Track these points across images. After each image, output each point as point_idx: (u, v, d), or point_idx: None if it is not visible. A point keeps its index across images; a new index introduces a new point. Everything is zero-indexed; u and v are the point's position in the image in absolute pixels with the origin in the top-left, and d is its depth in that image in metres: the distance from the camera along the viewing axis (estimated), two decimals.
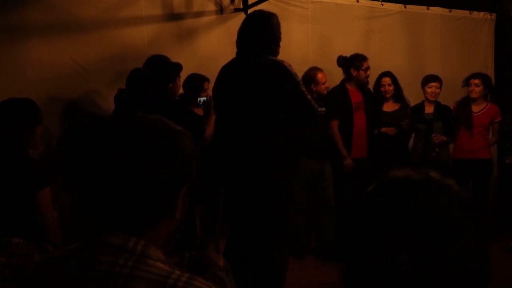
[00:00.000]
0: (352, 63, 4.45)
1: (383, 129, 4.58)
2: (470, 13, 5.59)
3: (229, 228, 3.04)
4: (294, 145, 2.97)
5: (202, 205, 3.97)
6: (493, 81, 5.05)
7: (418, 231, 0.66)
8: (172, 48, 4.14)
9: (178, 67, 3.62)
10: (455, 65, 5.38)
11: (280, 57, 2.93)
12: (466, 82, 4.68)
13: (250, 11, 4.14)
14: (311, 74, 4.36)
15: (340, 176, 4.43)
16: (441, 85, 4.64)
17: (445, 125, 4.60)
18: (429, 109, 4.66)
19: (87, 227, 0.96)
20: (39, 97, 3.58)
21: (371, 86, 4.71)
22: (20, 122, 2.41)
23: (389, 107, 4.67)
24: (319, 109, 3.48)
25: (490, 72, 5.42)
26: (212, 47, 4.36)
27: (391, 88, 4.64)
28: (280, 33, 2.92)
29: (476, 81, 4.63)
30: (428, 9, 5.41)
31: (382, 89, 4.65)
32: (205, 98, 3.75)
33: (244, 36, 2.90)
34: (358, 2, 5.07)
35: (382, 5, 5.18)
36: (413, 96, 4.81)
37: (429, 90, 4.62)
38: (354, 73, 4.46)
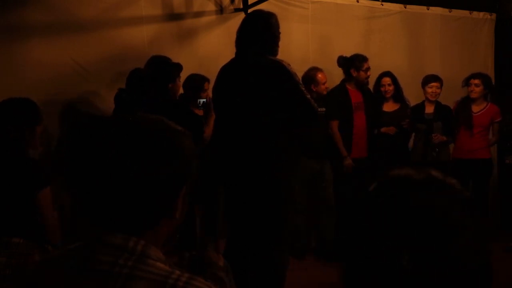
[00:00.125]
0: (352, 64, 4.45)
1: (383, 129, 4.58)
2: (470, 13, 5.59)
3: (229, 228, 3.04)
4: (294, 145, 2.97)
5: (202, 205, 3.97)
6: (493, 81, 5.05)
7: (419, 231, 0.66)
8: (172, 48, 4.14)
9: (178, 67, 3.62)
10: (455, 65, 5.38)
11: (280, 57, 2.93)
12: (466, 82, 4.68)
13: (250, 11, 4.14)
14: (311, 74, 4.36)
15: (340, 176, 4.43)
16: (441, 85, 4.64)
17: (445, 125, 4.60)
18: (429, 109, 4.66)
19: (87, 227, 0.96)
20: (39, 97, 3.58)
21: (371, 86, 4.71)
22: (20, 122, 2.41)
23: (389, 107, 4.67)
24: (319, 109, 3.48)
25: (490, 72, 5.42)
26: (212, 47, 4.36)
27: (391, 88, 4.64)
28: (279, 32, 2.92)
29: (476, 81, 4.63)
30: (428, 9, 5.41)
31: (382, 89, 4.65)
32: (204, 100, 3.76)
33: (243, 36, 2.90)
34: (358, 2, 5.07)
35: (382, 5, 5.18)
36: (413, 96, 4.81)
37: (429, 90, 4.62)
38: (354, 73, 4.46)
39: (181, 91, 3.91)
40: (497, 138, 4.77)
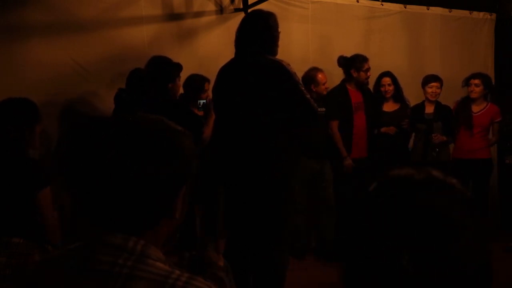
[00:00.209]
0: (353, 64, 4.44)
1: (383, 129, 4.58)
2: (470, 13, 5.59)
3: (229, 228, 3.04)
4: (294, 145, 2.97)
5: (202, 205, 3.97)
6: (493, 81, 5.05)
7: (419, 231, 0.66)
8: (172, 48, 4.14)
9: (178, 67, 3.62)
10: (455, 65, 5.38)
11: (280, 57, 2.92)
12: (466, 82, 4.68)
13: (250, 11, 4.14)
14: (311, 75, 4.36)
15: (340, 176, 4.43)
16: (441, 85, 4.64)
17: (445, 125, 4.60)
18: (429, 109, 4.66)
19: (87, 227, 0.96)
20: (39, 97, 3.58)
21: (371, 86, 4.71)
22: (20, 122, 2.41)
23: (389, 107, 4.67)
24: (319, 109, 3.48)
25: (490, 72, 5.42)
26: (212, 47, 4.36)
27: (391, 88, 4.64)
28: (278, 32, 2.92)
29: (476, 81, 4.63)
30: (428, 9, 5.41)
31: (382, 89, 4.65)
32: (204, 101, 3.76)
33: (243, 36, 2.90)
34: (358, 2, 5.07)
35: (382, 5, 5.18)
36: (413, 96, 4.81)
37: (429, 90, 4.62)
38: (355, 74, 4.45)
39: (181, 91, 3.91)
40: (497, 138, 4.77)
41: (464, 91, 4.73)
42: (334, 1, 4.96)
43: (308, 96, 2.84)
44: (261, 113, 2.77)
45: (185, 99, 3.90)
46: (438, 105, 4.66)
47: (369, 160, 4.50)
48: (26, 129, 2.42)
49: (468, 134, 4.63)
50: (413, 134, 4.74)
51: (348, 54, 4.50)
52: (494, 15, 5.69)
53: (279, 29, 2.95)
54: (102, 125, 0.98)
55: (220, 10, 4.48)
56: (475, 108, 4.65)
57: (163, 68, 3.53)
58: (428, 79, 4.64)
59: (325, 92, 4.44)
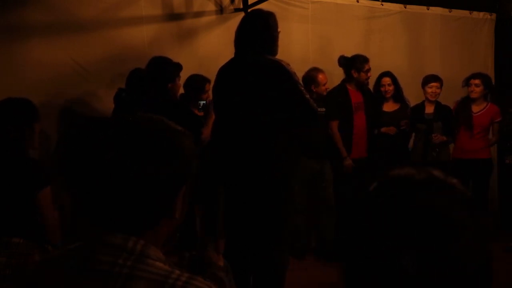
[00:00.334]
0: (353, 64, 4.44)
1: (383, 129, 4.58)
2: (470, 13, 5.59)
3: (229, 228, 3.04)
4: (294, 145, 2.96)
5: (202, 205, 3.97)
6: (493, 81, 5.05)
7: (419, 231, 0.66)
8: (172, 48, 4.14)
9: (177, 67, 3.62)
10: (455, 65, 5.38)
11: (280, 57, 2.92)
12: (466, 82, 4.68)
13: (250, 11, 4.14)
14: (312, 75, 4.36)
15: (340, 176, 4.43)
16: (441, 85, 4.64)
17: (445, 125, 4.60)
18: (429, 109, 4.66)
19: (87, 227, 0.96)
20: (39, 97, 3.59)
21: (371, 86, 4.71)
22: (20, 122, 2.41)
23: (389, 107, 4.67)
24: (319, 109, 3.48)
25: (490, 72, 5.41)
26: (212, 47, 4.36)
27: (391, 88, 4.64)
28: (278, 32, 2.92)
29: (476, 81, 4.63)
30: (428, 9, 5.41)
31: (382, 89, 4.65)
32: (204, 101, 3.75)
33: (242, 36, 2.90)
34: (358, 2, 5.07)
35: (382, 5, 5.18)
36: (413, 96, 4.81)
37: (429, 90, 4.62)
38: (355, 74, 4.45)
39: (181, 91, 3.91)
40: (497, 138, 4.77)
41: (464, 91, 4.73)
42: (334, 1, 4.96)
43: (308, 96, 2.84)
44: (261, 113, 2.77)
45: (185, 99, 3.90)
46: (438, 105, 4.66)
47: (369, 160, 4.50)
48: (26, 129, 2.43)
49: (468, 134, 4.63)
50: (413, 134, 4.74)
51: (348, 54, 4.50)
52: (494, 15, 5.69)
53: (279, 29, 2.94)
54: (102, 125, 0.98)
55: (220, 10, 4.48)
56: (475, 108, 4.65)
57: (163, 68, 3.53)
58: (428, 79, 4.64)
59: (325, 93, 4.44)
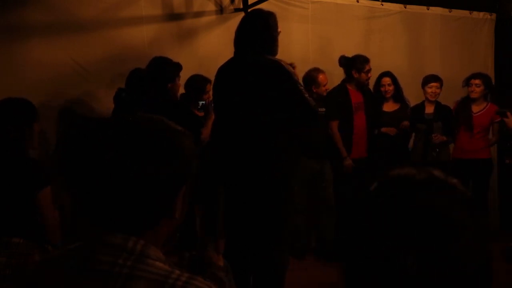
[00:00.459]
0: (354, 65, 4.44)
1: (383, 129, 4.58)
2: (470, 13, 5.59)
3: (229, 228, 3.04)
4: (294, 145, 2.96)
5: (202, 205, 3.97)
6: (493, 81, 5.05)
7: (419, 231, 0.66)
8: (172, 48, 4.14)
9: (177, 67, 3.62)
10: (455, 65, 5.38)
11: (280, 57, 2.92)
12: (467, 82, 4.68)
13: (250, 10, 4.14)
14: (312, 75, 4.36)
15: (340, 176, 4.43)
16: (441, 85, 4.64)
17: (445, 125, 4.60)
18: (429, 109, 4.66)
19: (87, 227, 0.96)
20: (39, 97, 3.59)
21: (371, 86, 4.71)
22: (20, 122, 2.42)
23: (389, 107, 4.67)
24: (319, 109, 3.48)
25: (490, 72, 5.41)
26: (212, 47, 4.36)
27: (391, 88, 4.64)
28: (278, 32, 2.91)
29: (477, 81, 4.63)
30: (428, 9, 5.40)
31: (382, 89, 4.65)
32: (204, 102, 3.75)
33: (242, 35, 2.90)
34: (358, 2, 5.07)
35: (382, 5, 5.18)
36: (413, 96, 4.81)
37: (429, 90, 4.62)
38: (356, 75, 4.45)
39: (182, 90, 3.91)
40: (497, 138, 4.77)
41: (464, 91, 4.73)
42: (334, 1, 4.96)
43: (307, 95, 2.83)
44: (260, 113, 2.77)
45: (185, 100, 3.90)
46: (438, 105, 4.66)
47: (369, 160, 4.50)
48: (26, 129, 2.43)
49: (468, 134, 4.63)
50: (413, 134, 4.74)
51: (348, 54, 4.50)
52: (494, 15, 5.69)
53: (279, 29, 2.94)
54: (101, 125, 0.98)
55: (220, 10, 4.48)
56: (475, 108, 4.65)
57: (162, 68, 3.53)
58: (428, 79, 4.64)
59: (325, 93, 4.45)
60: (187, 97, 3.92)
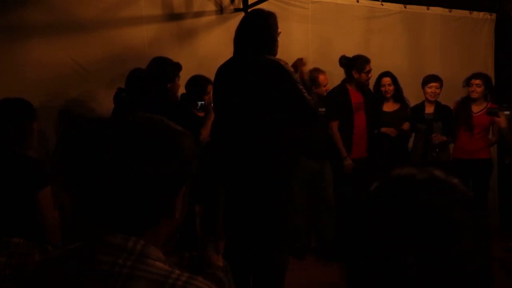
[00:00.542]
0: (354, 65, 4.43)
1: (383, 129, 4.58)
2: (470, 13, 5.59)
3: (229, 228, 3.04)
4: (294, 145, 2.96)
5: (202, 205, 3.97)
6: (493, 81, 5.05)
7: (419, 231, 0.66)
8: (172, 48, 4.14)
9: (177, 67, 3.62)
10: (455, 65, 5.38)
11: (280, 57, 2.92)
12: (467, 82, 4.67)
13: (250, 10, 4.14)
14: (313, 76, 4.36)
15: (340, 176, 4.43)
16: (441, 85, 4.64)
17: (445, 125, 4.60)
18: (429, 109, 4.66)
19: (87, 227, 0.97)
20: (39, 97, 3.59)
21: (371, 86, 4.71)
22: (20, 121, 2.42)
23: (389, 107, 4.67)
24: (319, 109, 3.47)
25: (490, 72, 5.41)
26: (212, 47, 4.35)
27: (392, 88, 4.64)
28: (278, 32, 2.91)
29: (478, 81, 4.62)
30: (428, 9, 5.40)
31: (383, 89, 4.65)
32: (203, 102, 3.75)
33: (242, 35, 2.90)
34: (358, 2, 5.07)
35: (382, 5, 5.18)
36: (413, 96, 4.81)
37: (429, 90, 4.62)
38: (356, 75, 4.45)
39: (182, 90, 3.90)
40: (497, 138, 4.77)
41: (464, 91, 4.73)
42: (334, 1, 4.96)
43: (307, 95, 2.83)
44: (260, 113, 2.77)
45: (186, 100, 3.90)
46: (438, 105, 4.66)
47: (369, 160, 4.50)
48: (25, 128, 2.43)
49: (468, 134, 4.62)
50: (413, 134, 4.74)
51: (348, 54, 4.50)
52: (494, 15, 5.69)
53: (280, 30, 2.94)
54: (102, 125, 0.99)
55: (220, 10, 4.47)
56: (475, 108, 4.65)
57: (162, 68, 3.53)
58: (428, 79, 4.64)
59: (325, 94, 4.45)
60: (187, 97, 3.92)
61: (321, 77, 4.38)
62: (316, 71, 4.39)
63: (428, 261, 0.65)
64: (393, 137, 4.58)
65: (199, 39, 4.38)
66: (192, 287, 0.92)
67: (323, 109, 4.32)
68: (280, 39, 2.95)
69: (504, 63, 5.60)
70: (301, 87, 2.81)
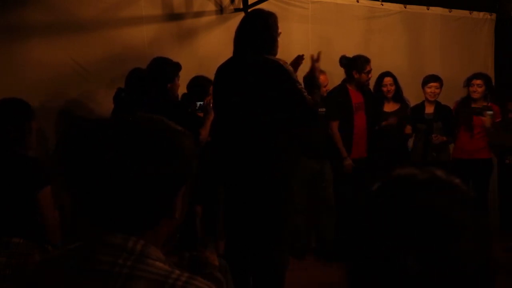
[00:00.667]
0: (354, 65, 4.43)
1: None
2: (470, 13, 5.59)
3: (229, 228, 3.04)
4: (294, 145, 2.96)
5: (202, 205, 3.97)
6: (493, 81, 5.05)
7: (420, 231, 0.66)
8: (172, 48, 4.14)
9: (176, 66, 3.62)
10: (455, 65, 5.38)
11: (280, 57, 2.92)
12: (468, 82, 4.67)
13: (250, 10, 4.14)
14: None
15: (340, 176, 4.42)
16: (441, 85, 4.64)
17: (445, 125, 4.60)
18: (429, 109, 4.66)
19: (87, 227, 0.97)
20: (39, 97, 3.60)
21: (371, 86, 4.71)
22: (19, 121, 2.42)
23: (390, 107, 4.67)
24: (319, 109, 3.47)
25: (490, 72, 5.41)
26: (212, 47, 4.35)
27: (393, 88, 4.64)
28: (278, 32, 2.91)
29: (479, 81, 4.61)
30: (428, 9, 5.40)
31: (384, 89, 4.64)
32: (202, 103, 3.75)
33: (242, 35, 2.90)
34: (358, 2, 5.07)
35: (382, 5, 5.18)
36: (413, 96, 4.81)
37: (428, 90, 4.62)
38: (356, 75, 4.44)
39: (184, 90, 3.90)
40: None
41: (464, 91, 4.73)
42: (334, 1, 4.96)
43: (307, 95, 2.83)
44: (260, 113, 2.77)
45: (187, 100, 3.90)
46: (438, 105, 4.66)
47: (369, 160, 4.50)
48: (25, 128, 2.43)
49: (468, 134, 4.62)
50: (413, 134, 4.74)
51: (348, 54, 4.49)
52: (494, 15, 5.69)
53: (280, 30, 2.94)
54: (101, 125, 0.99)
55: (220, 10, 4.47)
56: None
57: (162, 68, 3.53)
58: (428, 79, 4.64)
59: (325, 94, 4.45)
60: (188, 98, 3.92)
61: (322, 78, 4.37)
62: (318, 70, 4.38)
63: (429, 261, 0.65)
64: (393, 138, 4.58)
65: (199, 39, 4.38)
66: (192, 287, 0.92)
67: (323, 109, 4.32)
68: (280, 39, 2.95)
69: (504, 63, 5.60)
70: (300, 87, 2.82)
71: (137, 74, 3.53)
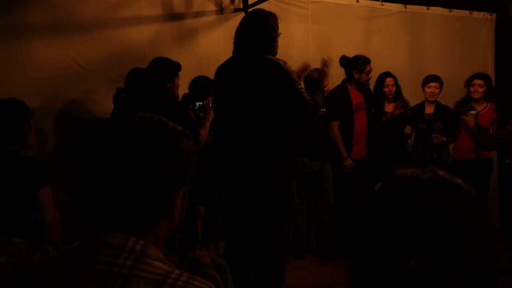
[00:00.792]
0: (355, 65, 4.43)
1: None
2: (470, 13, 5.59)
3: (229, 228, 3.04)
4: (294, 145, 2.96)
5: (202, 205, 3.97)
6: (493, 81, 5.04)
7: (423, 231, 0.66)
8: (172, 48, 4.14)
9: (176, 66, 3.62)
10: (455, 65, 5.38)
11: (280, 56, 2.92)
12: (469, 82, 4.66)
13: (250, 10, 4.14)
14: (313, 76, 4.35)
15: (340, 176, 4.42)
16: (441, 85, 4.63)
17: (445, 125, 4.60)
18: (429, 109, 4.65)
19: (87, 227, 0.97)
20: (39, 97, 3.60)
21: (371, 86, 4.71)
22: (18, 121, 2.42)
23: (390, 107, 4.67)
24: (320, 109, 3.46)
25: (490, 72, 5.41)
26: (212, 47, 4.36)
27: (394, 88, 4.64)
28: (277, 32, 2.91)
29: (480, 81, 4.60)
30: (428, 9, 5.40)
31: (386, 89, 4.64)
32: (201, 103, 3.75)
33: (242, 35, 2.90)
34: (358, 2, 5.07)
35: (382, 5, 5.18)
36: (413, 96, 4.81)
37: (428, 90, 4.62)
38: (356, 75, 4.44)
39: (185, 90, 3.90)
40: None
41: (464, 91, 4.72)
42: (334, 1, 4.96)
43: (305, 94, 2.84)
44: (260, 113, 2.77)
45: (188, 100, 3.89)
46: (438, 105, 4.65)
47: (369, 160, 4.50)
48: (23, 128, 2.43)
49: (468, 135, 4.61)
50: (413, 134, 4.74)
51: (348, 54, 4.49)
52: (494, 15, 5.69)
53: (280, 30, 2.94)
54: (101, 125, 0.99)
55: (220, 10, 4.47)
56: (476, 109, 4.64)
57: (162, 67, 3.53)
58: (427, 79, 4.64)
59: (325, 94, 4.44)
60: (190, 98, 3.91)
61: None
62: (316, 71, 4.38)
63: (433, 261, 0.65)
64: (393, 138, 4.58)
65: (199, 39, 4.38)
66: (192, 287, 0.92)
67: (324, 109, 4.32)
68: (280, 39, 2.95)
69: (504, 63, 5.60)
70: (299, 86, 2.82)
71: (137, 74, 3.53)
